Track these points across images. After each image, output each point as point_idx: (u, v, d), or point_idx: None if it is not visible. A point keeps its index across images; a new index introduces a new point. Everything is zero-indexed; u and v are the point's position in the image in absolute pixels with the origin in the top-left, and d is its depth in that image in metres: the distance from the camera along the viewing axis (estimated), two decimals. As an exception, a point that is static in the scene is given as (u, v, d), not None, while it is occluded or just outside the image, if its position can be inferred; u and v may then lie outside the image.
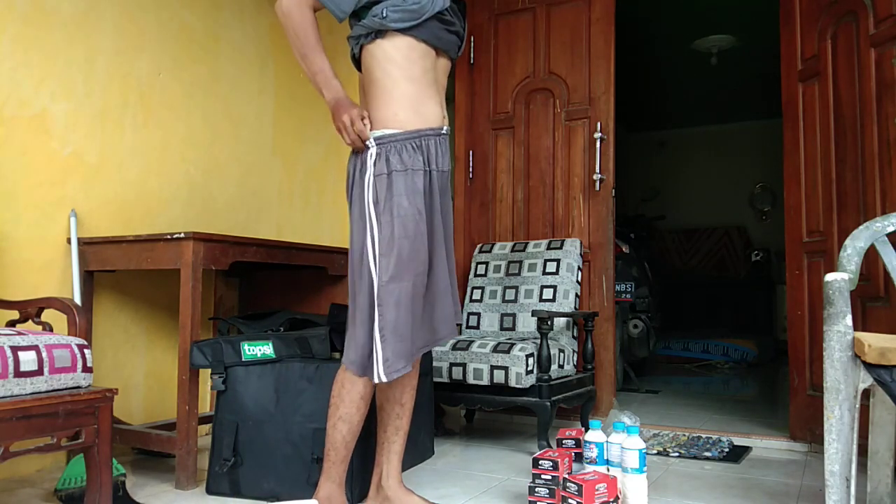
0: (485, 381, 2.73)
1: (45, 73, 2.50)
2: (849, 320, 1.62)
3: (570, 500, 1.87)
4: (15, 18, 2.41)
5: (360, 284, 1.78)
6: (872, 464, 1.87)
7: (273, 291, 3.16)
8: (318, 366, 2.14)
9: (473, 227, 3.75)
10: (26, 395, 1.66)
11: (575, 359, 3.09)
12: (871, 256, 2.08)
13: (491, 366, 2.71)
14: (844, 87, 2.73)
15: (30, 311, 2.10)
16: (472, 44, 3.80)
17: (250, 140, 3.39)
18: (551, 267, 3.21)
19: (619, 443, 2.07)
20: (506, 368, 2.68)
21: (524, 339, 2.89)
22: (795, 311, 2.98)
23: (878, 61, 2.56)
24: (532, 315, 2.78)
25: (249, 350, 2.20)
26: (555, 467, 2.06)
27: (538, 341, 2.77)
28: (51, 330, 2.00)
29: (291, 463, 2.09)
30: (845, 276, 1.65)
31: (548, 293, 3.16)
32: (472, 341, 2.83)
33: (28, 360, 1.67)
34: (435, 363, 2.82)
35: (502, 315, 3.24)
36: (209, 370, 2.25)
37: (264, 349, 2.20)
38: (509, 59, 3.72)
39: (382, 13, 1.74)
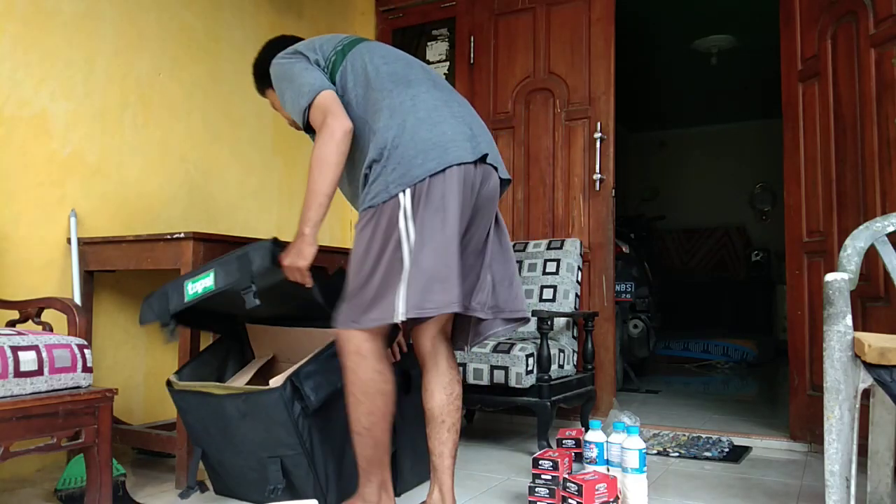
0: (485, 381, 2.73)
1: (45, 73, 2.50)
2: (849, 320, 1.62)
3: (570, 500, 1.87)
4: (15, 19, 2.41)
5: None
6: (872, 464, 1.87)
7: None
8: (246, 398, 1.95)
9: (473, 227, 3.74)
10: (26, 395, 1.67)
11: (575, 359, 3.09)
12: (871, 256, 2.08)
13: (491, 366, 2.71)
14: (844, 87, 2.73)
15: (30, 311, 2.10)
16: (473, 44, 3.80)
17: (250, 140, 3.39)
18: (551, 267, 3.21)
19: (619, 443, 2.07)
20: (506, 368, 2.68)
21: (524, 339, 2.89)
22: (795, 311, 2.98)
23: (878, 61, 2.56)
24: (532, 315, 2.77)
25: (192, 289, 1.99)
26: (555, 467, 2.07)
27: (538, 341, 2.77)
28: (51, 330, 2.00)
29: (262, 486, 1.99)
30: (845, 276, 1.65)
31: (548, 293, 3.16)
32: (472, 341, 2.83)
33: (28, 360, 1.67)
34: (435, 363, 2.82)
35: (502, 315, 3.23)
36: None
37: (205, 282, 1.97)
38: (509, 59, 3.72)
39: None
